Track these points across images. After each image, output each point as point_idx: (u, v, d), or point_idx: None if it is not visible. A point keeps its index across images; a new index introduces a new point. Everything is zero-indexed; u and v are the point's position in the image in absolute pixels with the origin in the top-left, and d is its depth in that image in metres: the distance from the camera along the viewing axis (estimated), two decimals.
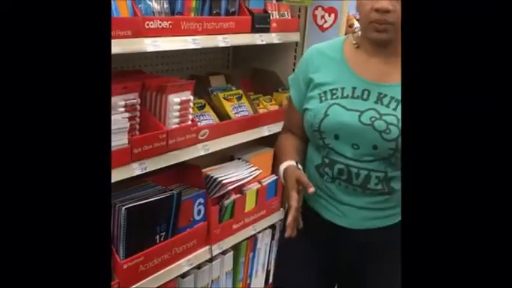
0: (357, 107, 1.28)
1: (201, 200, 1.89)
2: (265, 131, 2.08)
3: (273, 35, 2.00)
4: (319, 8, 2.17)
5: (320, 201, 1.40)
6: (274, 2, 2.07)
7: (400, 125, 1.23)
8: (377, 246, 1.38)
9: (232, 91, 2.07)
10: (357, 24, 2.35)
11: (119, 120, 1.48)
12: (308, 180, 1.28)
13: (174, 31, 1.60)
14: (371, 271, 1.42)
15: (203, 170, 1.98)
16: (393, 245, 1.32)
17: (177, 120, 1.67)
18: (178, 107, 1.65)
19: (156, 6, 1.59)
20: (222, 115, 1.95)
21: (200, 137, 1.78)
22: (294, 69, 2.24)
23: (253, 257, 2.30)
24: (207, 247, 1.94)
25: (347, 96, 1.30)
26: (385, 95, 1.28)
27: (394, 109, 1.25)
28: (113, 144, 1.46)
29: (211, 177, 1.97)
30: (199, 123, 1.79)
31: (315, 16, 2.19)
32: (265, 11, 2.02)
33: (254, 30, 1.91)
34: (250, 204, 2.11)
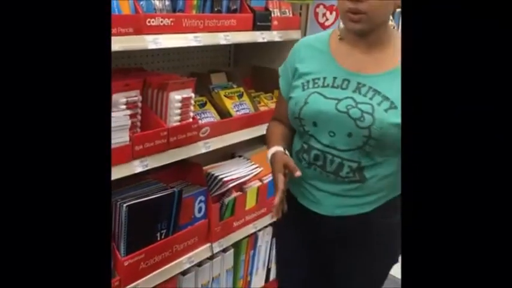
0: (336, 96, 1.32)
1: (202, 198, 1.89)
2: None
3: (274, 32, 2.00)
4: (321, 6, 2.17)
5: (298, 186, 1.45)
6: None
7: (374, 114, 1.27)
8: (348, 234, 1.42)
9: (233, 89, 2.07)
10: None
11: (120, 117, 1.48)
12: (295, 165, 1.33)
13: (176, 28, 1.60)
14: (342, 259, 1.47)
15: (204, 168, 1.98)
16: (365, 235, 1.41)
17: (178, 117, 1.67)
18: (179, 104, 1.66)
19: (157, 3, 1.60)
20: (223, 113, 1.95)
21: (201, 135, 1.78)
22: None
23: (254, 254, 2.31)
24: (208, 245, 1.94)
25: (327, 86, 1.35)
26: (364, 85, 1.31)
27: (371, 98, 1.29)
28: (114, 141, 1.46)
29: (212, 174, 1.97)
30: (200, 121, 1.79)
31: (316, 14, 2.19)
32: (267, 9, 2.02)
33: (255, 28, 1.91)
34: (251, 202, 2.11)
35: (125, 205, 1.58)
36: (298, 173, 1.31)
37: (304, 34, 2.20)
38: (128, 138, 1.51)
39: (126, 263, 1.60)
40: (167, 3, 1.63)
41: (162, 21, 1.55)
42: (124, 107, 1.51)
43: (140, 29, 1.48)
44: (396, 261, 1.50)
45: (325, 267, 1.53)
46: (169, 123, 1.66)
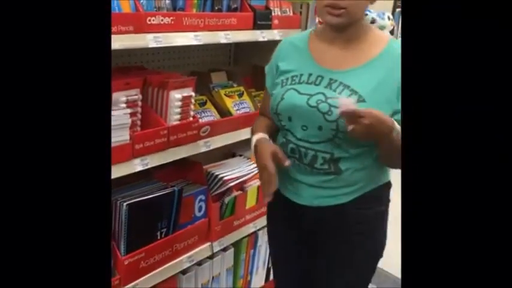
0: (308, 91, 1.37)
1: (202, 197, 1.89)
2: None
3: (275, 31, 2.00)
4: None
5: (280, 179, 1.48)
6: None
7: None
8: (327, 225, 1.46)
9: (234, 88, 2.07)
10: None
11: (121, 116, 1.48)
12: (283, 154, 1.40)
13: (176, 27, 1.60)
14: (323, 251, 1.51)
15: (204, 167, 1.98)
16: (342, 225, 1.44)
17: (178, 116, 1.67)
18: (179, 103, 1.65)
19: (158, 2, 1.59)
20: (223, 112, 1.95)
21: (201, 134, 1.78)
22: None
23: (254, 254, 2.30)
24: (208, 244, 1.94)
25: (303, 82, 1.40)
26: (335, 81, 1.36)
27: (340, 93, 1.34)
28: (114, 140, 1.46)
29: (213, 173, 1.97)
30: (200, 120, 1.79)
31: (316, 13, 2.18)
32: (267, 8, 2.01)
33: (256, 26, 1.91)
34: (251, 201, 2.11)
35: (125, 204, 1.58)
36: (287, 162, 1.38)
37: None
38: (128, 137, 1.51)
39: (126, 262, 1.60)
40: (167, 1, 1.63)
41: (162, 20, 1.54)
42: (124, 105, 1.51)
43: (141, 27, 1.48)
44: (381, 255, 1.53)
45: (311, 260, 1.56)
46: (170, 121, 1.66)
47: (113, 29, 1.38)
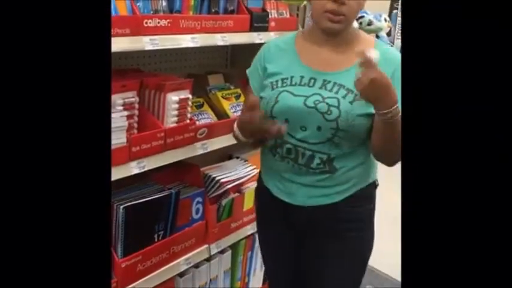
0: (303, 93, 1.39)
1: (199, 199, 1.89)
2: None
3: (272, 33, 2.00)
4: None
5: (272, 179, 1.53)
6: (272, 0, 2.07)
7: (340, 106, 1.34)
8: (319, 224, 1.48)
9: (231, 90, 2.07)
10: (355, 24, 2.35)
11: (117, 118, 1.48)
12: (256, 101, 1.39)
13: (173, 29, 1.60)
14: (314, 247, 1.53)
15: (201, 169, 1.98)
16: (334, 224, 1.47)
17: (175, 118, 1.67)
18: (176, 105, 1.65)
19: (154, 4, 1.59)
20: (220, 114, 1.95)
21: (198, 136, 1.77)
22: None
23: (252, 256, 2.30)
24: (205, 246, 1.94)
25: (295, 84, 1.41)
26: (329, 81, 1.39)
27: (336, 92, 1.36)
28: (111, 142, 1.46)
29: (210, 176, 1.97)
30: (197, 122, 1.79)
31: (312, 17, 2.18)
32: (264, 10, 2.01)
33: (253, 29, 1.91)
34: (248, 203, 2.11)
35: (121, 207, 1.58)
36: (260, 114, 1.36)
37: None
38: (125, 140, 1.51)
39: (123, 265, 1.60)
40: (164, 4, 1.63)
41: (159, 22, 1.54)
42: (121, 108, 1.51)
43: (137, 30, 1.48)
44: (370, 252, 1.56)
45: (304, 260, 1.57)
46: (167, 124, 1.66)
47: None
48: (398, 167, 1.31)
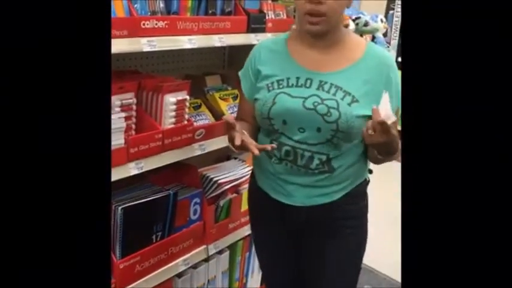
0: (301, 94, 1.39)
1: (197, 200, 1.89)
2: None
3: (269, 35, 2.00)
4: None
5: (268, 181, 1.52)
6: (269, 2, 2.08)
7: (340, 108, 1.35)
8: (318, 222, 1.49)
9: (228, 91, 2.07)
10: (352, 25, 2.36)
11: (116, 120, 1.48)
12: (233, 121, 1.37)
13: (170, 31, 1.60)
14: (312, 246, 1.54)
15: (199, 170, 1.98)
16: (332, 221, 1.48)
17: (173, 120, 1.67)
18: (174, 106, 1.66)
19: (152, 5, 1.60)
20: (217, 115, 1.95)
21: (196, 137, 1.78)
22: None
23: (249, 256, 2.31)
24: (203, 247, 1.94)
25: (292, 85, 1.41)
26: (326, 82, 1.39)
27: (334, 94, 1.37)
28: None
29: (208, 176, 1.97)
30: (195, 123, 1.79)
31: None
32: (261, 11, 2.02)
33: (250, 30, 1.91)
34: (246, 203, 2.10)
35: (120, 208, 1.58)
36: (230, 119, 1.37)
37: None
38: (123, 141, 1.51)
39: (121, 266, 1.60)
40: (161, 5, 1.63)
41: (156, 24, 1.55)
42: (119, 109, 1.51)
43: (135, 31, 1.48)
44: (364, 249, 1.58)
45: (302, 260, 1.59)
46: (164, 125, 1.66)
47: None
48: (397, 166, 1.33)
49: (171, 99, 1.64)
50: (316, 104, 1.36)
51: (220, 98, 2.00)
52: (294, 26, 1.47)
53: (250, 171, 2.04)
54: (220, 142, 1.90)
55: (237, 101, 2.05)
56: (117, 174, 1.51)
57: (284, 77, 1.43)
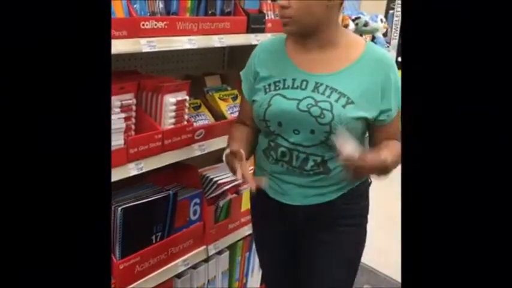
0: (296, 96, 1.39)
1: (197, 200, 1.89)
2: None
3: (268, 35, 2.00)
4: None
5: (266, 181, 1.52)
6: (269, 2, 2.08)
7: (333, 110, 1.34)
8: (317, 220, 1.49)
9: (228, 91, 2.07)
10: (352, 25, 2.36)
11: (115, 120, 1.48)
12: (241, 152, 1.37)
13: (170, 31, 1.60)
14: (312, 244, 1.54)
15: (199, 170, 1.98)
16: (330, 220, 1.48)
17: (172, 120, 1.67)
18: (174, 107, 1.66)
19: (151, 6, 1.60)
20: (217, 115, 1.96)
21: (196, 137, 1.78)
22: None
23: (249, 256, 2.31)
24: (203, 247, 1.94)
25: (288, 87, 1.42)
26: (321, 84, 1.38)
27: (328, 96, 1.36)
28: None
29: (207, 177, 1.97)
30: (195, 124, 1.80)
31: None
32: (261, 11, 2.02)
33: (249, 30, 1.91)
34: (246, 204, 2.11)
35: (119, 208, 1.58)
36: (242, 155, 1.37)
37: None
38: (122, 141, 1.51)
39: (121, 266, 1.60)
40: (161, 5, 1.63)
41: (156, 24, 1.55)
42: (119, 110, 1.51)
43: (134, 32, 1.48)
44: (363, 248, 1.58)
45: (302, 259, 1.58)
46: (164, 126, 1.66)
47: None
48: (397, 166, 1.34)
49: (170, 99, 1.64)
50: (310, 106, 1.36)
51: (219, 98, 2.00)
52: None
53: (250, 172, 2.05)
54: (220, 142, 1.90)
55: (237, 101, 2.05)
56: (117, 174, 1.51)
57: (281, 79, 1.43)
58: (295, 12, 1.34)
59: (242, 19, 1.89)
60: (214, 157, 2.14)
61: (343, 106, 1.35)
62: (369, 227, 1.58)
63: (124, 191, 1.71)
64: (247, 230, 2.15)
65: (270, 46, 1.53)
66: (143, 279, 1.70)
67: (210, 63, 2.36)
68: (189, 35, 1.66)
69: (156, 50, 1.55)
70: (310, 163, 1.41)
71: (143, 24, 1.51)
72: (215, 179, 1.95)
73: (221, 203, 1.98)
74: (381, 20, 2.59)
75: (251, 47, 1.98)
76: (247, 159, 1.41)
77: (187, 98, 1.71)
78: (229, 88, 2.11)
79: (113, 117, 1.48)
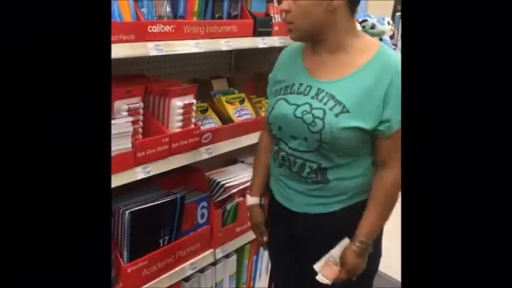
0: (296, 101, 1.37)
1: (204, 204, 1.89)
2: None
3: (275, 38, 2.00)
4: None
5: (274, 184, 1.53)
6: (276, 5, 2.08)
7: (325, 119, 1.30)
8: (318, 231, 1.46)
9: (235, 94, 2.08)
10: (359, 27, 2.35)
11: (123, 124, 1.48)
12: (263, 230, 1.61)
13: (177, 35, 1.60)
14: (314, 253, 1.48)
15: (206, 174, 1.98)
16: (334, 232, 1.43)
17: (180, 123, 1.68)
18: (181, 110, 1.66)
19: (158, 10, 1.60)
20: (224, 118, 1.96)
21: (203, 141, 1.78)
22: None
23: (257, 260, 2.30)
24: (211, 250, 1.94)
25: (293, 92, 1.40)
26: (322, 91, 1.35)
27: (325, 104, 1.32)
28: (116, 148, 1.47)
29: (214, 180, 1.97)
30: (202, 127, 1.80)
31: None
32: (267, 15, 2.02)
33: (256, 33, 1.91)
34: None
35: (127, 212, 1.58)
36: (265, 239, 1.62)
37: None
38: (130, 145, 1.52)
39: (129, 270, 1.60)
40: (168, 9, 1.63)
41: (163, 28, 1.55)
42: (126, 113, 1.51)
43: (142, 36, 1.48)
44: (377, 265, 1.54)
45: (304, 265, 1.54)
46: (171, 129, 1.67)
47: (114, 37, 1.39)
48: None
49: (178, 103, 1.65)
50: (304, 112, 1.34)
51: (226, 101, 2.01)
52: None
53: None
54: (227, 146, 1.90)
55: (244, 104, 2.05)
56: (125, 178, 1.52)
57: (291, 83, 1.42)
58: (292, 18, 1.32)
59: (249, 22, 1.89)
60: (222, 160, 2.15)
61: (336, 115, 1.29)
62: None
63: (131, 194, 1.72)
64: None
65: (291, 50, 1.51)
66: (151, 283, 1.70)
67: (217, 67, 2.37)
68: (196, 39, 1.67)
69: (163, 53, 1.56)
70: (307, 170, 1.38)
71: (150, 28, 1.51)
72: (222, 182, 1.95)
73: (228, 206, 1.98)
74: (388, 23, 2.59)
75: (258, 50, 1.99)
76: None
77: (194, 101, 1.71)
78: (236, 91, 2.11)
79: (120, 120, 1.48)
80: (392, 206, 1.38)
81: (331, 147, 1.31)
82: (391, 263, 1.80)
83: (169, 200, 1.71)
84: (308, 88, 1.37)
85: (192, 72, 2.24)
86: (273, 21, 2.00)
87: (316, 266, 1.43)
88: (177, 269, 1.80)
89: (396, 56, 1.36)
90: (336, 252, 1.41)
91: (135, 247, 1.63)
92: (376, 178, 1.38)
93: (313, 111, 1.32)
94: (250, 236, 2.13)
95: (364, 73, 1.31)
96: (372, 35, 2.47)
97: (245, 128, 1.96)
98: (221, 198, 1.96)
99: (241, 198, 2.04)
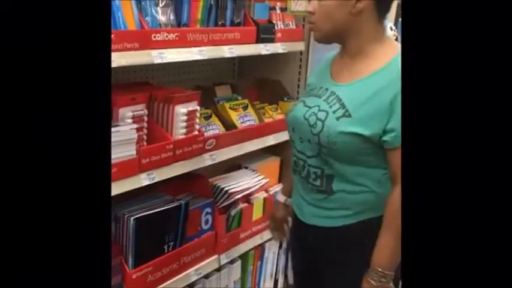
0: (310, 104, 1.37)
1: (209, 210, 1.90)
2: (271, 140, 2.09)
3: (278, 44, 2.02)
4: None
5: (294, 193, 1.52)
6: (278, 12, 2.09)
7: (325, 121, 1.28)
8: (323, 244, 1.43)
9: (238, 101, 2.09)
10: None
11: (127, 131, 1.50)
12: (285, 229, 1.66)
13: (181, 43, 1.62)
14: (321, 266, 1.46)
15: (210, 180, 1.99)
16: (339, 248, 1.39)
17: (184, 130, 1.68)
18: (185, 117, 1.67)
19: (162, 18, 1.62)
20: (228, 125, 1.97)
21: (207, 147, 1.79)
22: (299, 78, 2.28)
23: (261, 265, 2.31)
24: (215, 256, 1.94)
25: (313, 94, 1.40)
26: (334, 93, 1.33)
27: (331, 106, 1.30)
28: (121, 155, 1.48)
29: (218, 186, 1.98)
30: (205, 133, 1.81)
31: None
32: (270, 22, 2.03)
33: (259, 40, 1.93)
34: (257, 213, 2.12)
35: (132, 218, 1.59)
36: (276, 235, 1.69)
37: (307, 45, 2.22)
38: (134, 152, 1.53)
39: (134, 276, 1.61)
40: (172, 17, 1.65)
41: (167, 36, 1.57)
42: (130, 120, 1.52)
43: (146, 44, 1.50)
44: None
45: (317, 275, 1.52)
46: (175, 136, 1.68)
47: (118, 46, 1.40)
48: None
49: (181, 109, 1.66)
50: (312, 114, 1.32)
51: (230, 108, 2.02)
52: None
53: (261, 181, 2.06)
54: (230, 152, 1.91)
55: (247, 110, 2.06)
56: (129, 185, 1.53)
57: (317, 86, 1.41)
58: (315, 18, 1.32)
59: (252, 29, 1.90)
60: (225, 166, 2.15)
61: (337, 118, 1.27)
62: None
63: (136, 201, 1.72)
64: (259, 239, 2.16)
65: (330, 55, 1.48)
66: None
67: (221, 74, 2.38)
68: (200, 46, 1.68)
69: (167, 61, 1.57)
70: (312, 175, 1.36)
71: (154, 36, 1.53)
72: (226, 188, 1.96)
73: (232, 212, 1.99)
74: (391, 28, 2.60)
75: (261, 57, 2.00)
76: None
77: (198, 108, 1.72)
78: (239, 98, 2.12)
79: (124, 128, 1.49)
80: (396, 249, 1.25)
81: (328, 152, 1.29)
82: None
83: (173, 206, 1.72)
84: (325, 91, 1.36)
85: (195, 79, 2.26)
86: (276, 28, 2.02)
87: None
88: (181, 275, 1.81)
89: None
90: None
91: (140, 253, 1.64)
92: (388, 195, 1.30)
93: (318, 113, 1.31)
94: (255, 241, 2.14)
95: (374, 79, 1.28)
96: None
97: (249, 134, 1.97)
98: (225, 204, 1.96)
99: (245, 204, 2.05)
